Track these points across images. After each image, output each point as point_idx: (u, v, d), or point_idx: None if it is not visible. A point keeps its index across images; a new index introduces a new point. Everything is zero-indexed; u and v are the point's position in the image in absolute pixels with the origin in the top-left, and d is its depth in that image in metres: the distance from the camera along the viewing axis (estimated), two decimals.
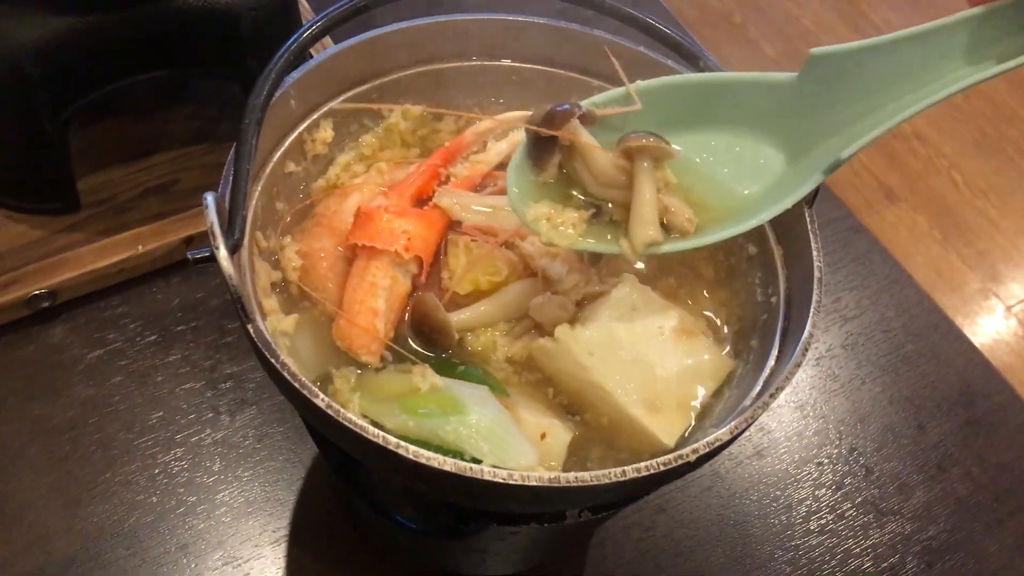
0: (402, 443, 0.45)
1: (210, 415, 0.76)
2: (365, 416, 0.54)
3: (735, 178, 0.54)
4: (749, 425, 0.49)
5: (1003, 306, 1.97)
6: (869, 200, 2.28)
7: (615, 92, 0.55)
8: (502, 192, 0.62)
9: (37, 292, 0.76)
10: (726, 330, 0.61)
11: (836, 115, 0.48)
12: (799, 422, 0.82)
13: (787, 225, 0.60)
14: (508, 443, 0.52)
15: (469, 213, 0.59)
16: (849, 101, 0.47)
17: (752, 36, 2.62)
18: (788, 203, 0.52)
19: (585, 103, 0.55)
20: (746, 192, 0.53)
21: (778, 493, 0.78)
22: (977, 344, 0.89)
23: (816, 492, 0.79)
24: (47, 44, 0.70)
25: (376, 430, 0.46)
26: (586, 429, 0.56)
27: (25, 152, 0.77)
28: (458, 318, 0.58)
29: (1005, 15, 0.38)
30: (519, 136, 0.64)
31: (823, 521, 0.77)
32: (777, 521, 0.77)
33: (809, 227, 0.57)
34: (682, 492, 0.77)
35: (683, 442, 0.56)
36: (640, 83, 0.55)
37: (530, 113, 0.65)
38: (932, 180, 2.24)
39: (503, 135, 0.64)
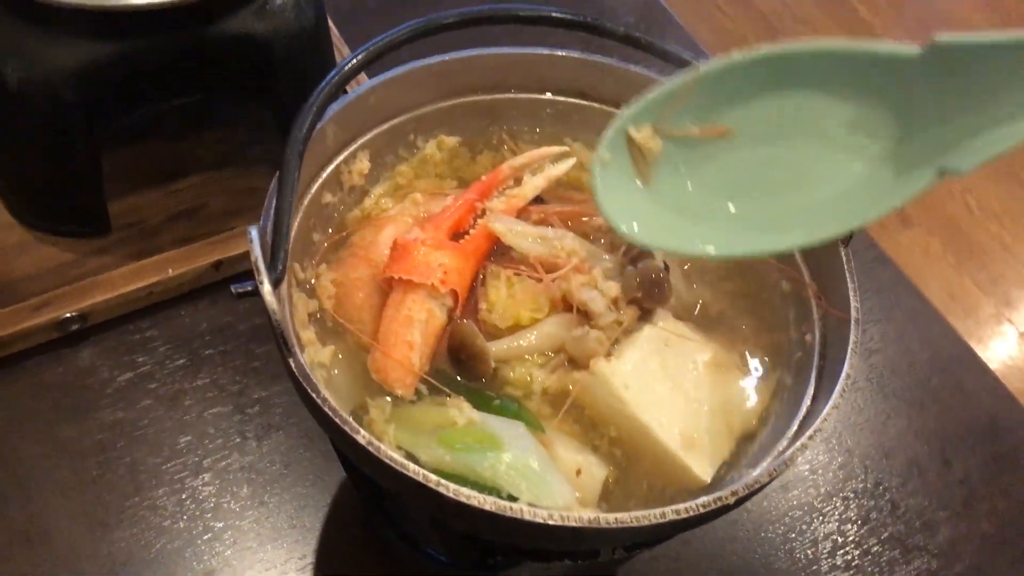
0: (443, 481, 0.45)
1: (238, 440, 0.76)
2: (400, 448, 0.54)
3: (818, 176, 0.47)
4: (787, 467, 0.49)
5: (1017, 331, 1.97)
6: (883, 223, 2.28)
7: (672, 86, 0.48)
8: (541, 224, 0.62)
9: (68, 315, 0.77)
10: (760, 367, 0.61)
11: (954, 116, 0.42)
12: (825, 455, 0.82)
13: (821, 262, 0.60)
14: (545, 481, 0.52)
15: (523, 241, 0.59)
16: (972, 102, 0.41)
17: None
18: (884, 209, 0.44)
19: (641, 103, 0.48)
20: (828, 191, 0.47)
21: (804, 527, 0.78)
22: (991, 369, 0.89)
23: (842, 527, 0.78)
24: (83, 70, 0.71)
25: (416, 467, 0.46)
26: (622, 463, 0.56)
27: (58, 176, 0.78)
28: (495, 348, 0.58)
29: None
30: (555, 171, 0.64)
31: (849, 556, 0.77)
32: (803, 555, 0.76)
33: (845, 266, 0.57)
34: (708, 524, 0.77)
35: (718, 477, 0.56)
36: (705, 67, 0.47)
37: (565, 149, 0.66)
38: (946, 204, 2.24)
39: (539, 170, 0.65)
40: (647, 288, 0.59)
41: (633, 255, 0.61)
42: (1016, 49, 0.39)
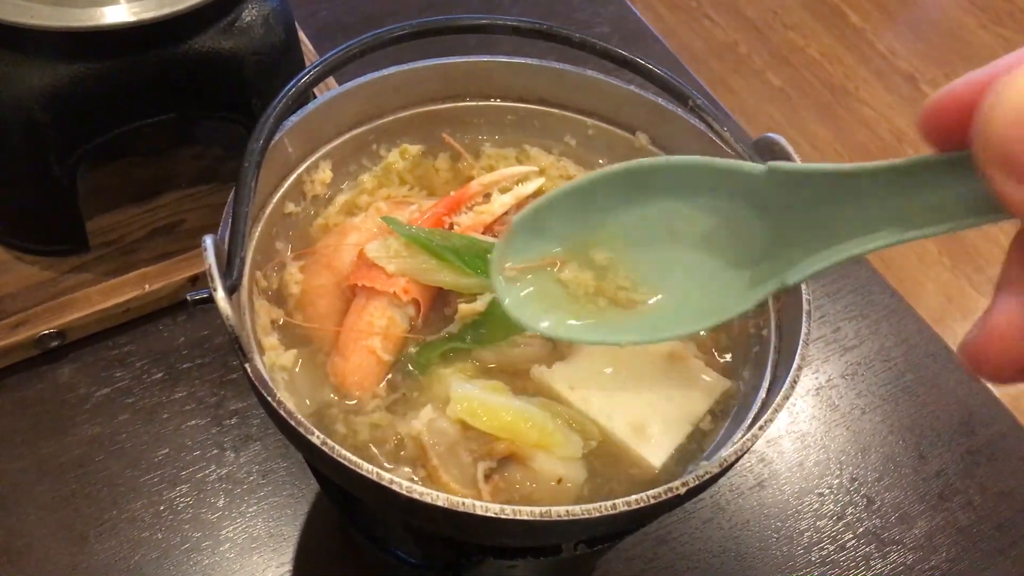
0: (395, 479, 0.46)
1: (215, 451, 0.77)
2: None
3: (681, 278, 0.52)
4: (739, 458, 0.50)
5: None
6: None
7: (537, 204, 0.52)
8: None
9: (46, 332, 0.78)
10: (719, 361, 0.61)
11: (797, 227, 0.45)
12: (800, 452, 0.83)
13: None
14: None
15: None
16: (810, 218, 0.44)
17: (758, 66, 2.64)
18: (735, 312, 0.50)
19: (508, 234, 0.52)
20: (700, 286, 0.51)
21: (779, 524, 0.78)
22: None
23: (817, 523, 0.79)
24: (56, 90, 0.72)
25: (370, 466, 0.47)
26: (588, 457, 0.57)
27: (35, 195, 0.79)
28: None
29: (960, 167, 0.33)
30: (524, 190, 0.65)
31: (824, 552, 0.77)
32: (779, 552, 0.77)
33: None
34: (684, 524, 0.78)
35: (675, 462, 0.56)
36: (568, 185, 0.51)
37: (534, 168, 0.67)
38: None
39: (508, 188, 0.66)
40: None
41: None
42: (841, 177, 0.42)
